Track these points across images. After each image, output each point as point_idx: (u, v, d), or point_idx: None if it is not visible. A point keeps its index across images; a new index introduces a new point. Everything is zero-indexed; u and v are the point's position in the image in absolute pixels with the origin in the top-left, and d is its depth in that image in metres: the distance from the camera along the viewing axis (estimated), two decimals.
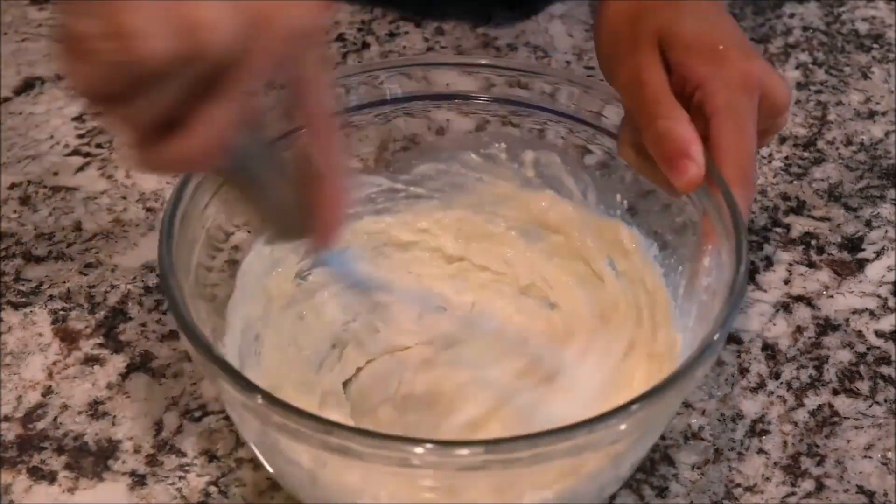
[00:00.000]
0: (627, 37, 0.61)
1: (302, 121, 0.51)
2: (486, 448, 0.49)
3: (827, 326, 0.70)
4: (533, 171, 0.67)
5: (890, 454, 0.63)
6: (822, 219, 0.76)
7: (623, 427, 0.50)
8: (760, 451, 0.63)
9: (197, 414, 0.64)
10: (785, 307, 0.70)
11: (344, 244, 0.60)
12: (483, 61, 0.67)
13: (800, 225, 0.76)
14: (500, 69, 0.66)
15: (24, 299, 0.70)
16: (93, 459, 0.62)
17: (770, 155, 0.80)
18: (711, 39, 0.60)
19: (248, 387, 0.50)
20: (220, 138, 0.45)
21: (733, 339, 0.69)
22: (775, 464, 0.62)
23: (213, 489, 0.61)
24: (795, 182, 0.79)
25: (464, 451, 0.49)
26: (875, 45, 0.90)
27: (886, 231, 0.75)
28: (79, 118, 0.82)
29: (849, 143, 0.82)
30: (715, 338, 0.53)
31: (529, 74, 0.66)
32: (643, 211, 0.64)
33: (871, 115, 0.84)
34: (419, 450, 0.49)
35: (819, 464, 0.63)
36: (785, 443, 0.64)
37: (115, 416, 0.64)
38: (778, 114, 0.62)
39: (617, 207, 0.65)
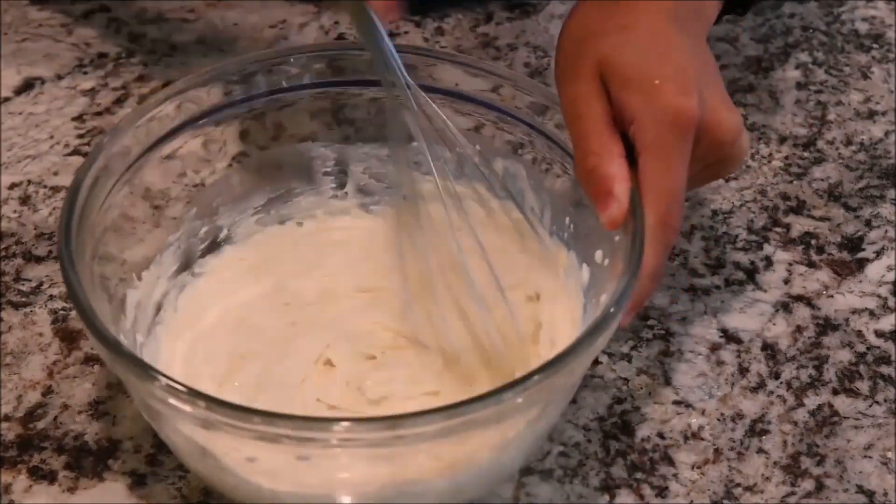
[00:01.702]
0: (571, 62, 0.60)
1: None
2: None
3: (827, 326, 0.70)
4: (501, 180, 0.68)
5: (890, 454, 0.63)
6: (821, 219, 0.76)
7: (520, 399, 0.51)
8: (760, 450, 0.63)
9: None
10: (785, 307, 0.70)
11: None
12: (484, 66, 0.67)
13: (800, 225, 0.76)
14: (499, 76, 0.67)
15: (24, 299, 0.70)
16: (93, 459, 0.62)
17: (770, 155, 0.80)
18: (649, 73, 0.58)
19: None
20: None
21: (733, 338, 0.69)
22: (775, 463, 0.63)
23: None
24: (795, 182, 0.79)
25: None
26: (875, 45, 0.90)
27: (886, 231, 0.75)
28: (79, 118, 0.82)
29: (849, 142, 0.82)
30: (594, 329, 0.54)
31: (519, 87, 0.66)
32: (584, 238, 0.64)
33: (871, 115, 0.84)
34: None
35: (819, 463, 0.63)
36: (785, 442, 0.64)
37: (115, 416, 0.64)
38: (722, 149, 0.60)
39: (565, 230, 0.65)
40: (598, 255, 0.61)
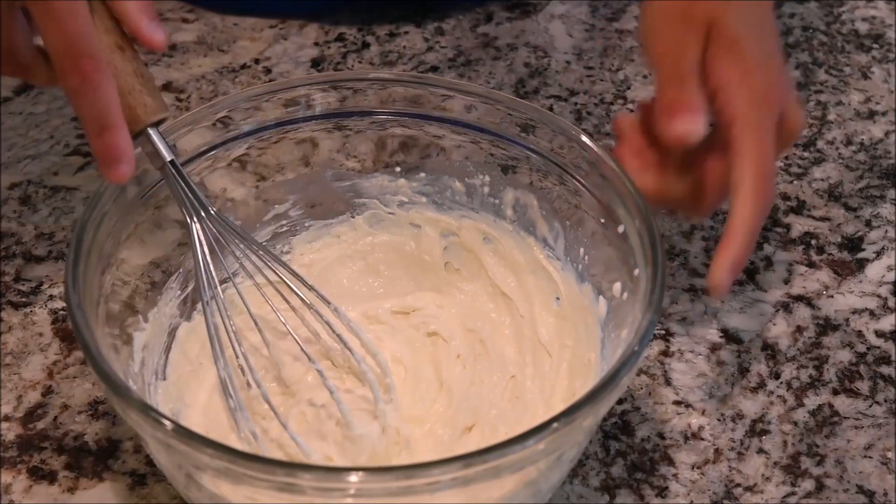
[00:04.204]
0: (678, 16, 0.62)
1: None
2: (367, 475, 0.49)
3: (827, 326, 0.70)
4: (511, 210, 0.67)
5: (890, 454, 0.63)
6: (822, 219, 0.76)
7: (541, 446, 0.50)
8: (760, 450, 0.63)
9: None
10: (785, 307, 0.70)
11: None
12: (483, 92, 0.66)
13: (800, 225, 0.76)
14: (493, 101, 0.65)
15: (24, 299, 0.70)
16: (93, 459, 0.62)
17: None
18: (748, 47, 0.61)
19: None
20: None
21: (733, 338, 0.69)
22: (775, 464, 0.63)
23: None
24: (795, 182, 0.79)
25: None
26: (875, 45, 0.90)
27: (886, 231, 0.75)
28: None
29: (849, 143, 0.82)
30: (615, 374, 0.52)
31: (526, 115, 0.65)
32: (600, 269, 0.63)
33: (871, 115, 0.84)
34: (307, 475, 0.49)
35: (819, 464, 0.63)
36: (785, 443, 0.64)
37: (115, 416, 0.64)
38: (788, 142, 0.63)
39: (579, 262, 0.65)
40: (617, 287, 0.60)
